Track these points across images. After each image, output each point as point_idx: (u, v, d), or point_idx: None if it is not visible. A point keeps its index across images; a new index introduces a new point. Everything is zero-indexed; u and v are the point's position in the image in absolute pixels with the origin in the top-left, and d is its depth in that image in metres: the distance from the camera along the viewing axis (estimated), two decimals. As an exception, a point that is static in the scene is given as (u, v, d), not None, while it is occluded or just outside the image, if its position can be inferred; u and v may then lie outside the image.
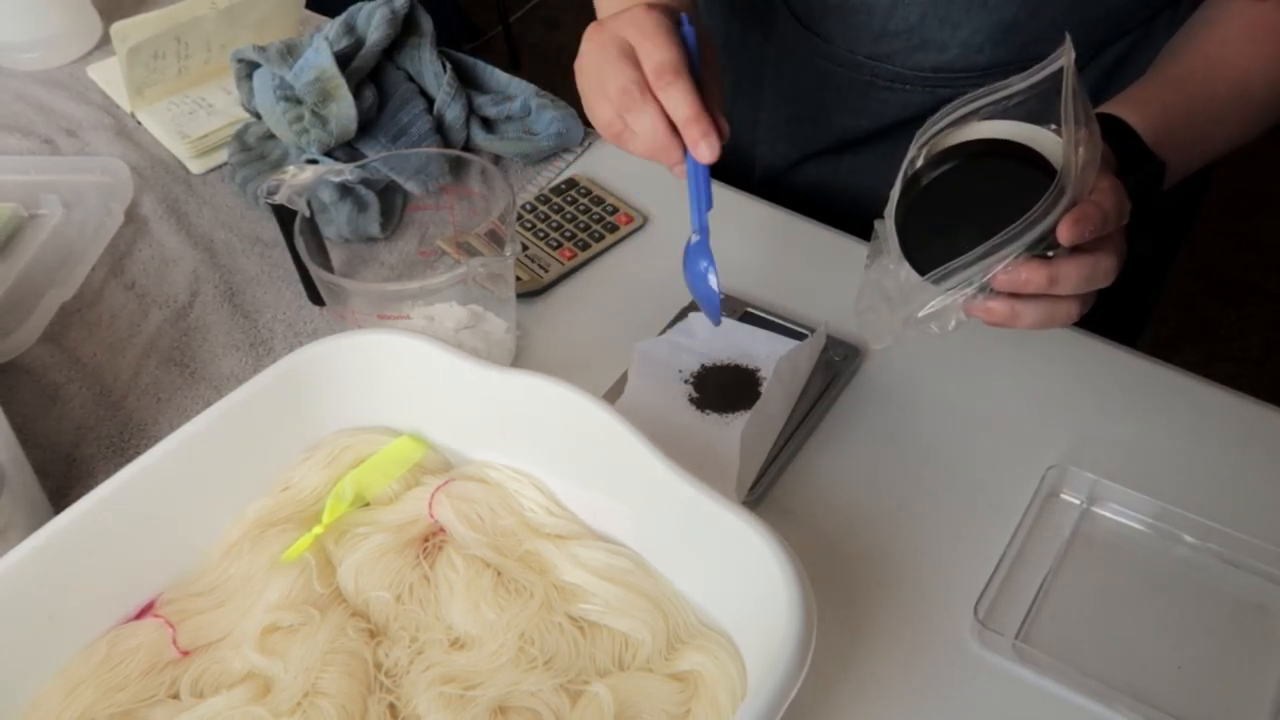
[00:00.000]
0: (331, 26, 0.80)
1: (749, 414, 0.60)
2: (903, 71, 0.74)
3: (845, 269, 0.73)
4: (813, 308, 0.70)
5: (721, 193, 0.80)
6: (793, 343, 0.64)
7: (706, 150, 0.55)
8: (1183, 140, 0.60)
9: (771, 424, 0.61)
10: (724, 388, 0.63)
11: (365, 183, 0.76)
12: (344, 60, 0.77)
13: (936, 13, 0.70)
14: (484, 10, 2.49)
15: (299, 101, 0.77)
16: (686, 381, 0.64)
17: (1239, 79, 0.63)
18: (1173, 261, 0.89)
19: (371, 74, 0.80)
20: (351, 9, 0.81)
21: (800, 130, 0.82)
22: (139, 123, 0.89)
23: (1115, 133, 0.58)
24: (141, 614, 0.53)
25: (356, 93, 0.78)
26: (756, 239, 0.76)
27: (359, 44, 0.79)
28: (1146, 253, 0.85)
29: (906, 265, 0.53)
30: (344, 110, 0.76)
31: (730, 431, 0.60)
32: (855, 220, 0.75)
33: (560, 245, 0.75)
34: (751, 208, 0.79)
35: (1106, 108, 0.60)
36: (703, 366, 0.64)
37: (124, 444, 0.65)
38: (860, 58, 0.75)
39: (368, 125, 0.79)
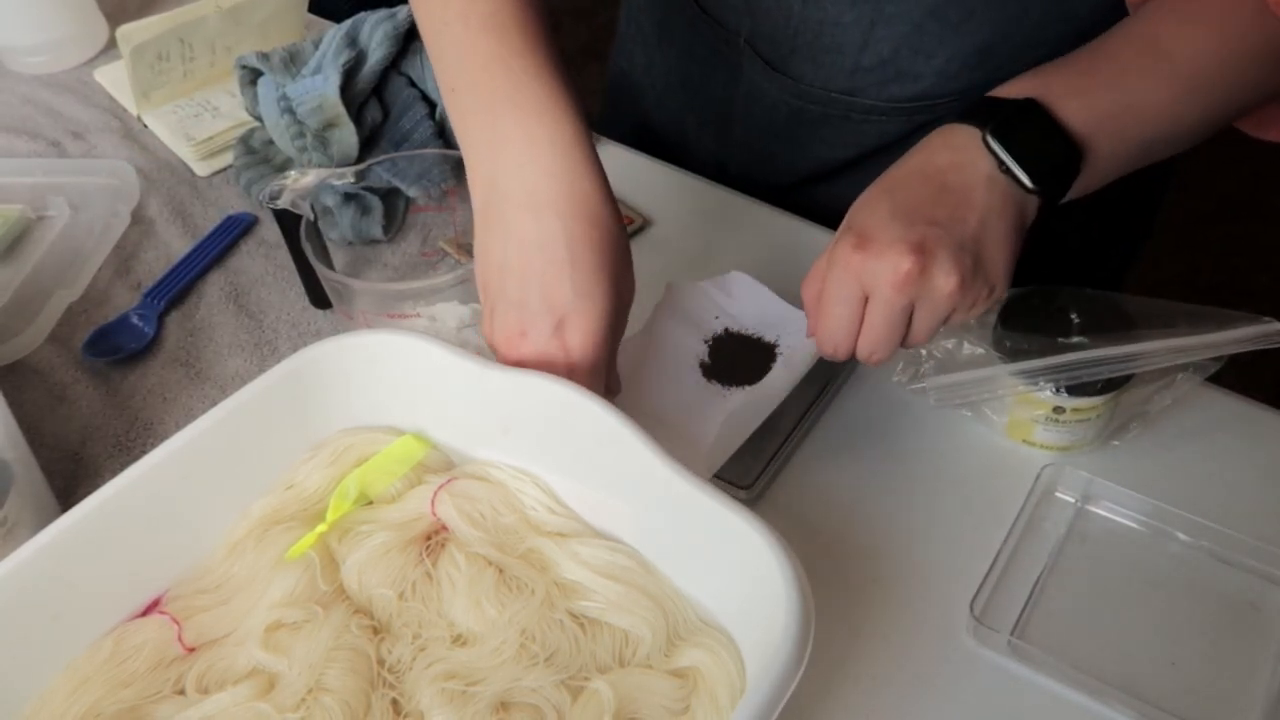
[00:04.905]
0: (333, 40, 0.80)
1: (745, 393, 0.59)
2: (878, 104, 0.73)
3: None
4: (811, 309, 0.70)
5: (722, 194, 0.81)
6: None
7: None
8: (1097, 99, 0.55)
9: (762, 410, 0.60)
10: (735, 358, 0.62)
11: (368, 188, 0.77)
12: (346, 75, 0.78)
13: (909, 44, 0.69)
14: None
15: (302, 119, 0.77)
16: (705, 341, 0.63)
17: (1147, 37, 0.56)
18: (1127, 271, 0.88)
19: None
20: (355, 19, 0.82)
21: (774, 165, 0.81)
22: (145, 126, 0.90)
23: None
24: (147, 611, 0.54)
25: (360, 112, 0.79)
26: (756, 241, 0.77)
27: (360, 58, 0.79)
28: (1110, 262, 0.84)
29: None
30: (345, 137, 0.77)
31: (724, 405, 0.59)
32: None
33: (561, 247, 0.75)
34: (751, 211, 0.79)
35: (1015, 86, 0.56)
36: (726, 331, 0.63)
37: (130, 443, 0.65)
38: (833, 94, 0.74)
39: (370, 136, 0.80)
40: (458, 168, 0.72)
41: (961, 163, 0.53)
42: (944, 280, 0.51)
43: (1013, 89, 0.55)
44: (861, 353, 0.55)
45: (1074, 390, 0.58)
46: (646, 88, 0.89)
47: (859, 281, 0.52)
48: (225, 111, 0.89)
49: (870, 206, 0.54)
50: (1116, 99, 0.55)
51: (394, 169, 0.75)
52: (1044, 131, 0.53)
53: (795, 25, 0.72)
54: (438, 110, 0.82)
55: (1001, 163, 0.53)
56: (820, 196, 0.82)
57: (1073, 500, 0.60)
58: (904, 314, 0.53)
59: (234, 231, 0.80)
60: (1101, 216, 0.81)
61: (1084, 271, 0.84)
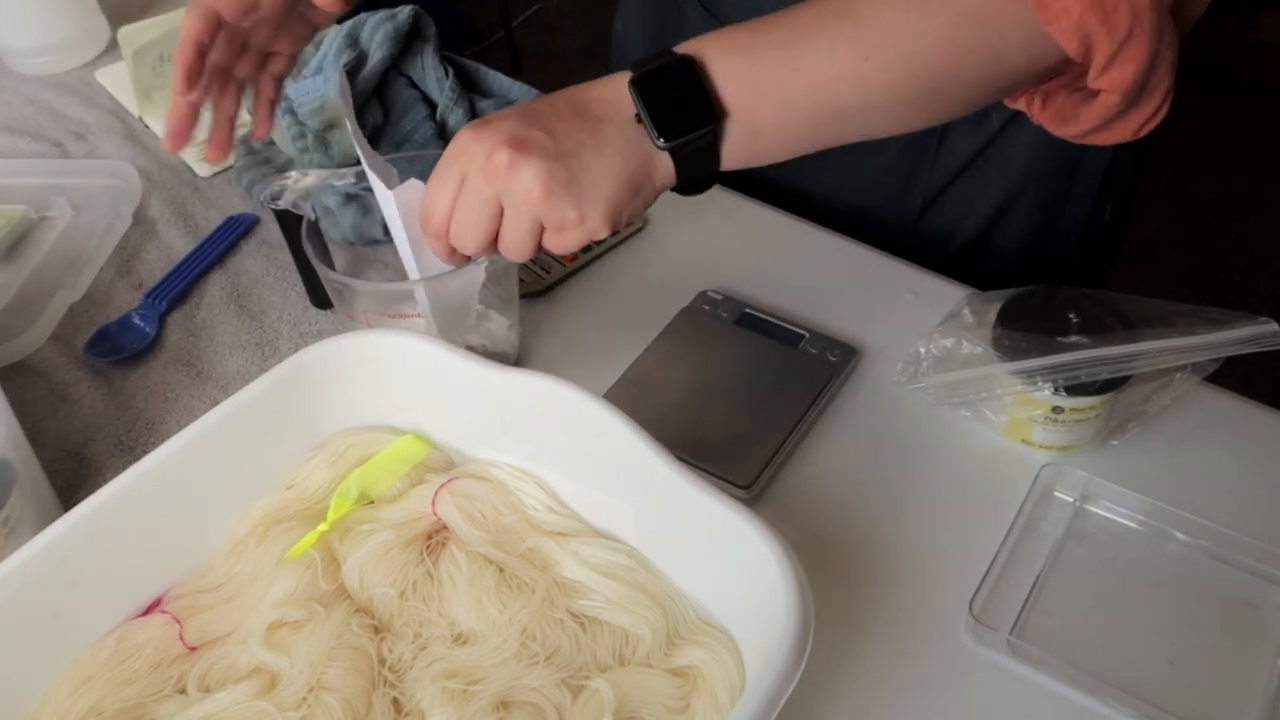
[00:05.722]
0: (334, 40, 0.80)
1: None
2: None
3: (842, 269, 0.74)
4: (811, 308, 0.71)
5: (720, 194, 0.81)
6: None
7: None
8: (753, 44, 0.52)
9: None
10: None
11: (369, 189, 0.77)
12: (347, 76, 0.78)
13: None
14: (486, 15, 2.51)
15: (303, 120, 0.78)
16: None
17: None
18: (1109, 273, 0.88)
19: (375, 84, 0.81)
20: (356, 20, 0.82)
21: None
22: (147, 126, 0.90)
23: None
24: (149, 610, 0.54)
25: (360, 113, 0.79)
26: (755, 241, 0.77)
27: (361, 59, 0.80)
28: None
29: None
30: (346, 138, 0.77)
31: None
32: (782, 199, 0.78)
33: (562, 247, 0.76)
34: (750, 210, 0.80)
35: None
36: None
37: (132, 442, 0.66)
38: None
39: (371, 137, 0.80)
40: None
41: (609, 99, 0.52)
42: (528, 181, 0.50)
43: (689, 44, 0.53)
44: (453, 235, 0.54)
45: (1072, 390, 0.58)
46: (630, 48, 0.90)
47: (460, 161, 0.52)
48: (226, 112, 0.89)
49: (512, 106, 0.54)
50: (785, 60, 0.51)
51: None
52: (685, 89, 0.51)
53: None
54: (438, 111, 0.82)
55: (639, 113, 0.51)
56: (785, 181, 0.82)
57: (1071, 500, 0.60)
58: (491, 205, 0.52)
59: (235, 232, 0.80)
60: (1090, 212, 0.81)
61: (1076, 271, 0.84)
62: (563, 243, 0.53)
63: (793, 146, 0.54)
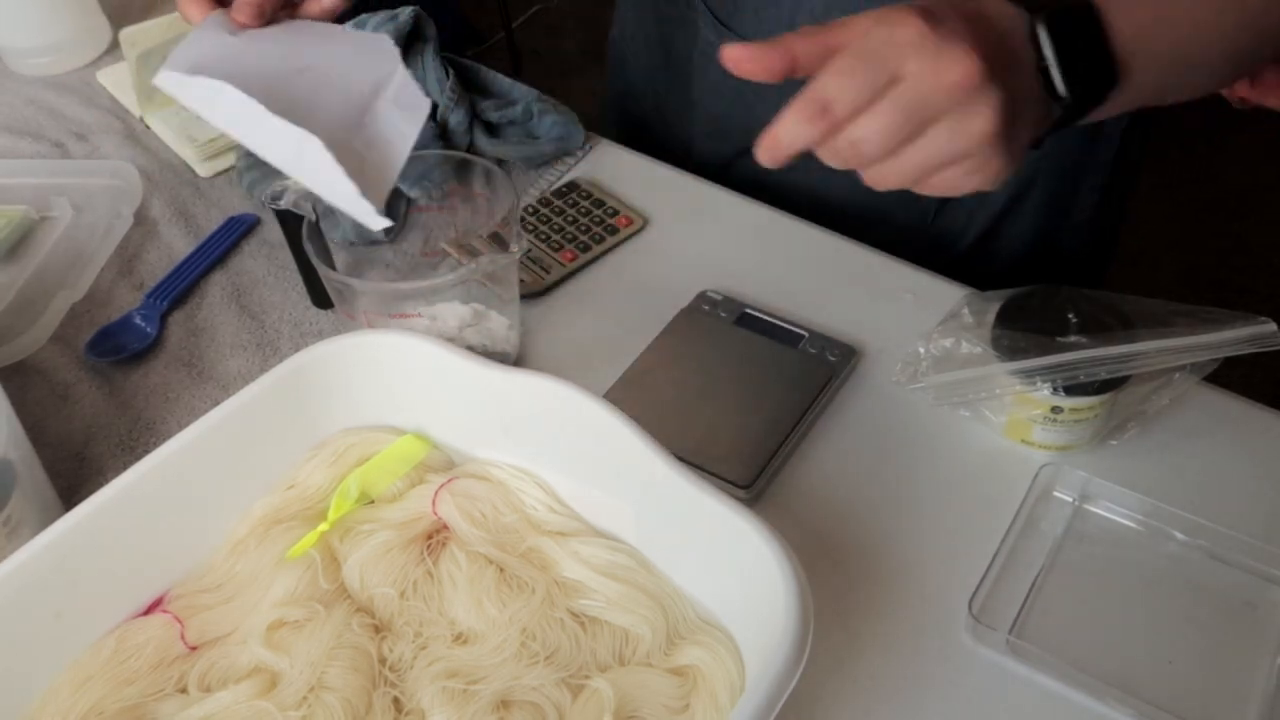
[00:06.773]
0: None
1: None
2: None
3: (842, 269, 0.74)
4: (811, 308, 0.71)
5: (721, 194, 0.81)
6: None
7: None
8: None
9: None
10: None
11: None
12: None
13: (840, 3, 0.67)
14: (486, 15, 2.51)
15: None
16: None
17: None
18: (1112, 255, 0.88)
19: (376, 79, 0.81)
20: (357, 21, 0.82)
21: (732, 126, 0.82)
22: (148, 127, 0.90)
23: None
24: (150, 609, 0.54)
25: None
26: (756, 242, 0.77)
27: None
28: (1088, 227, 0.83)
29: None
30: None
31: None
32: (794, 211, 0.77)
33: (562, 247, 0.76)
34: (750, 211, 0.80)
35: None
36: None
37: (133, 442, 0.66)
38: None
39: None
40: (459, 168, 0.72)
41: (1014, 47, 0.44)
42: (987, 111, 0.41)
43: None
44: (854, 132, 0.43)
45: (1071, 390, 0.59)
46: (629, 55, 0.90)
47: (903, 53, 0.42)
48: (227, 113, 0.89)
49: None
50: (1158, 11, 0.47)
51: (395, 170, 0.75)
52: (1091, 41, 0.45)
53: None
54: (439, 112, 0.82)
55: (1040, 58, 0.44)
56: (790, 183, 0.82)
57: (1071, 500, 0.60)
58: (919, 117, 0.42)
59: (236, 232, 0.80)
60: (1095, 211, 0.81)
61: (1076, 270, 0.84)
62: (964, 183, 0.44)
63: (1137, 100, 0.49)
